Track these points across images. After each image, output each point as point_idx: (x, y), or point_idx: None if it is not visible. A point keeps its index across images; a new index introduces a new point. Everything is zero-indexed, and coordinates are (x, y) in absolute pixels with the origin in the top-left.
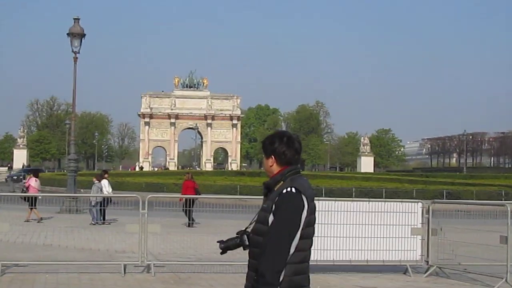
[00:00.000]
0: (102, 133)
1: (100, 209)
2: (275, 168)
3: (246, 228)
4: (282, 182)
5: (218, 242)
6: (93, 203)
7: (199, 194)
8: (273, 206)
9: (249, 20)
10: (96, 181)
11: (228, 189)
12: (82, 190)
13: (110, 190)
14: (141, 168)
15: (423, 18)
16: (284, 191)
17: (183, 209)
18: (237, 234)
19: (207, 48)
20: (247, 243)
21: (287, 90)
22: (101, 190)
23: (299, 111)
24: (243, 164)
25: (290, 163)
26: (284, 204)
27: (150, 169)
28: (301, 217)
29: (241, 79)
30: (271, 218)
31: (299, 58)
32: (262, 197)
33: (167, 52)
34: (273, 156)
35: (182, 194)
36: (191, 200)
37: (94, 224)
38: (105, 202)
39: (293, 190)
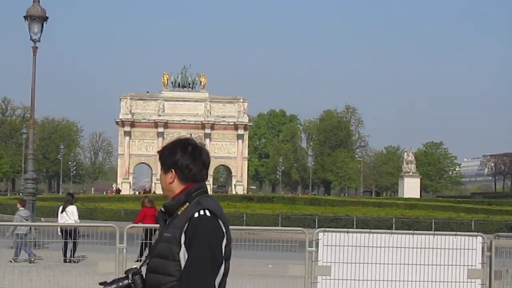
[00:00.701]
0: (69, 146)
1: (65, 242)
2: (176, 186)
3: (141, 264)
4: (187, 204)
5: (100, 284)
6: (19, 235)
7: None
8: (183, 236)
9: (258, 3)
10: (21, 208)
11: (232, 218)
12: (43, 219)
13: (77, 218)
14: (119, 191)
15: (487, 18)
16: (196, 215)
17: (141, 242)
18: (125, 273)
19: (204, 37)
20: (141, 286)
21: (307, 92)
22: (26, 219)
23: (324, 118)
24: (251, 187)
25: (195, 179)
26: (200, 232)
27: (130, 193)
28: (221, 247)
29: (248, 77)
30: (182, 252)
31: (323, 51)
32: (275, 228)
33: (154, 42)
34: (173, 170)
35: (136, 222)
36: (150, 232)
37: (29, 261)
38: (72, 234)
39: (207, 213)
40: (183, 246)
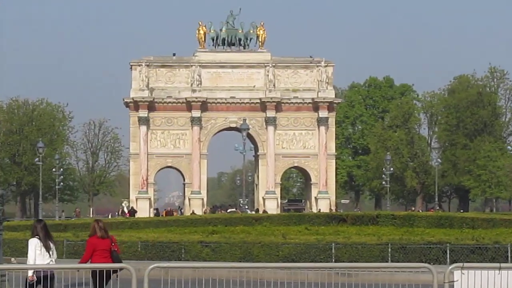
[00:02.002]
0: (52, 143)
1: None
2: None
3: None
4: None
5: None
6: None
7: (120, 262)
8: None
9: None
10: None
11: (313, 250)
12: (14, 259)
13: (53, 256)
14: (133, 212)
15: None
16: None
17: None
18: None
19: None
20: None
21: (427, 49)
22: None
23: (456, 88)
24: (343, 201)
25: None
26: None
27: (151, 214)
28: None
29: (329, 29)
30: None
31: None
32: (384, 265)
33: None
34: None
35: (84, 261)
36: (106, 275)
37: None
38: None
39: None
40: None
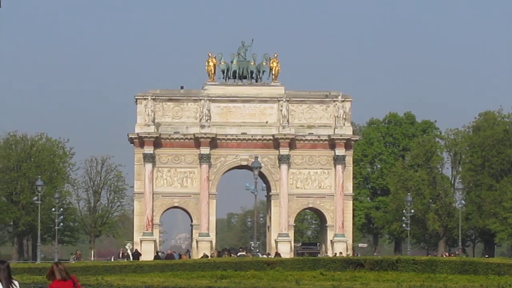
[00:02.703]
0: (52, 181)
1: None
2: None
3: None
4: None
5: None
6: None
7: None
8: None
9: None
10: None
11: None
12: None
13: None
14: (138, 254)
15: None
16: None
17: None
18: None
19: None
20: None
21: (450, 86)
22: None
23: (481, 126)
24: (360, 245)
25: None
26: None
27: (157, 256)
28: None
29: (346, 63)
30: None
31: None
32: None
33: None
34: None
35: None
36: None
37: None
38: None
39: None
40: None
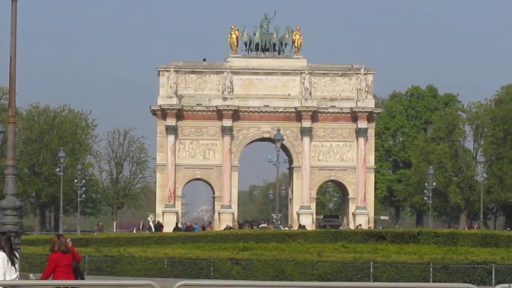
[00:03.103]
0: (74, 153)
1: None
2: None
3: None
4: None
5: None
6: None
7: (82, 276)
8: None
9: None
10: None
11: (350, 269)
12: (32, 275)
13: (17, 271)
14: (160, 226)
15: None
16: None
17: None
18: None
19: None
20: None
21: (473, 57)
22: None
23: (503, 99)
24: (382, 217)
25: None
26: None
27: (177, 227)
28: None
29: (369, 35)
30: None
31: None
32: (425, 285)
33: None
34: None
35: (45, 278)
36: None
37: None
38: None
39: None
40: None
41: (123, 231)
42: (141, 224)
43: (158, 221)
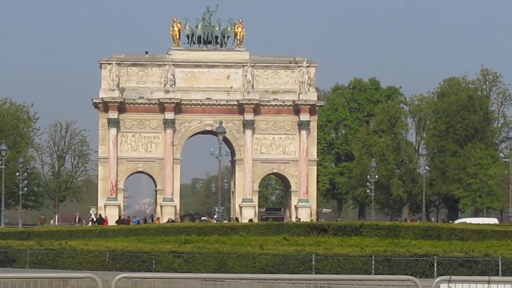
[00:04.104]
0: (15, 146)
1: None
2: None
3: None
4: None
5: None
6: None
7: None
8: None
9: None
10: None
11: (292, 262)
12: None
13: None
14: (101, 220)
15: None
16: None
17: None
18: None
19: None
20: None
21: (416, 50)
22: None
23: (446, 91)
24: (324, 210)
25: None
26: None
27: (120, 220)
28: None
29: (311, 27)
30: None
31: None
32: (367, 277)
33: None
34: None
35: None
36: None
37: None
38: None
39: None
40: None
41: (65, 224)
42: (77, 217)
43: (100, 215)
